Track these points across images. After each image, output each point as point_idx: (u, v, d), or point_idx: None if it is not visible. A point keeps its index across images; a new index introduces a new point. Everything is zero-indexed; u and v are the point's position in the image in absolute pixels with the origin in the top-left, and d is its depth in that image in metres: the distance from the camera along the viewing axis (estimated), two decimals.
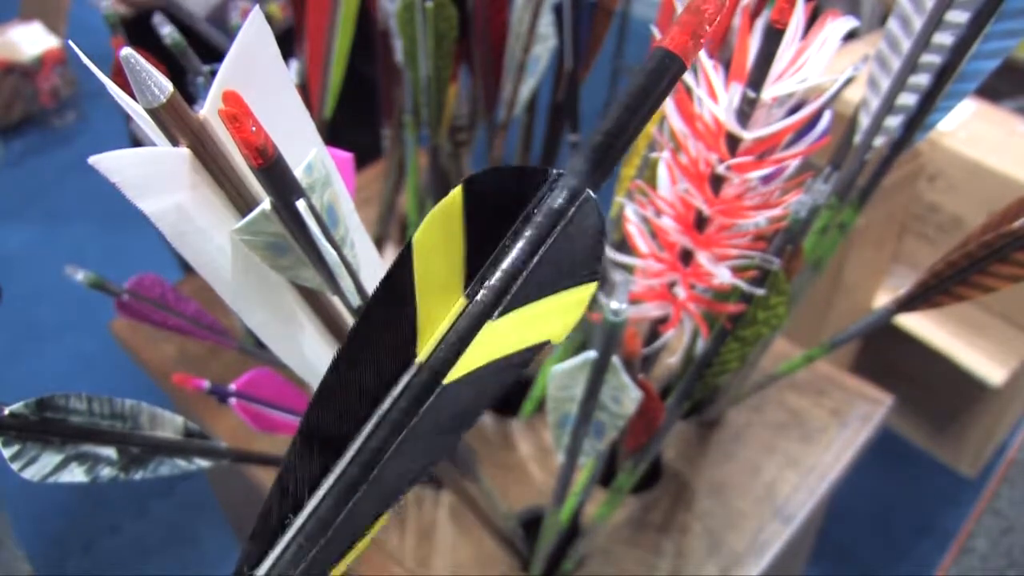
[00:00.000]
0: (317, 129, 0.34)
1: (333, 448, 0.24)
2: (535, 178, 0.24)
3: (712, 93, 0.45)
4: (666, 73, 0.23)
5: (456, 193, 0.23)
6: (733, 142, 0.45)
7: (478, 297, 0.24)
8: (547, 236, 0.23)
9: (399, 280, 0.24)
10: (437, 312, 0.24)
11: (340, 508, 0.24)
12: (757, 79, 0.42)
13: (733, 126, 0.44)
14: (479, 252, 0.24)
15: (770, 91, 0.44)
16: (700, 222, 0.49)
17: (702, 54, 0.45)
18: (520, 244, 0.23)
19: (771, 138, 0.45)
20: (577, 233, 0.23)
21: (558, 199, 0.23)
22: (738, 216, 0.47)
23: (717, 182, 0.47)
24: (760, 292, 0.47)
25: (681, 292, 0.51)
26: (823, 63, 0.44)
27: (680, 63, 0.23)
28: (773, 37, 0.40)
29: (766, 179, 0.48)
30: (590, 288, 0.24)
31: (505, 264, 0.23)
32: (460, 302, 0.24)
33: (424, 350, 0.24)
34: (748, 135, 0.44)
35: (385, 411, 0.24)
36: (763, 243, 0.48)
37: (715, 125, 0.45)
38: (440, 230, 0.24)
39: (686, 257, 0.51)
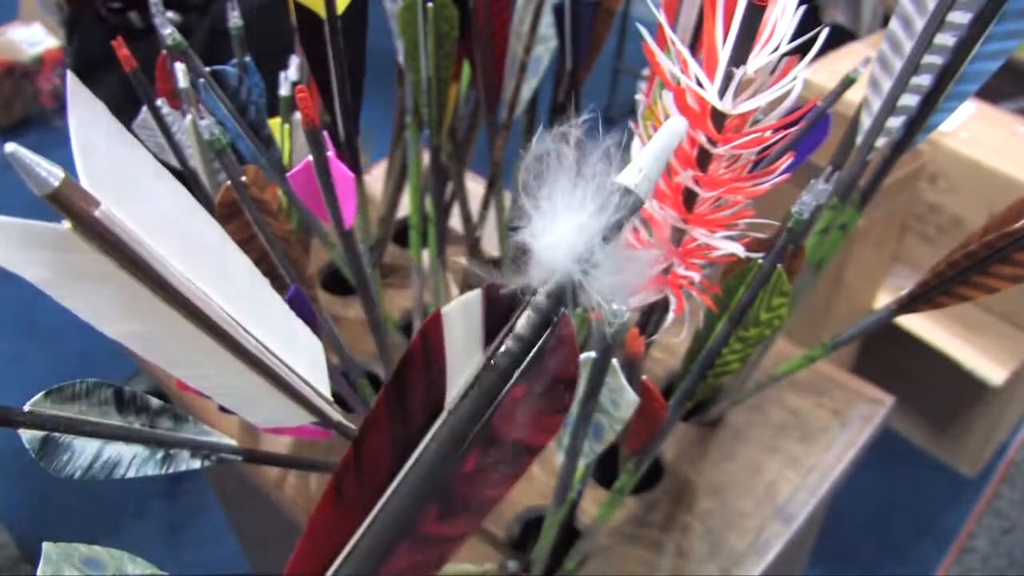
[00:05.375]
0: (317, 129, 0.34)
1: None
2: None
3: (686, 69, 0.45)
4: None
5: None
6: (719, 118, 0.45)
7: None
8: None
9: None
10: None
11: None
12: (740, 55, 0.41)
13: (716, 101, 0.44)
14: None
15: (751, 66, 0.43)
16: (689, 200, 0.48)
17: (678, 43, 0.45)
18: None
19: (755, 114, 0.44)
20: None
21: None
22: (726, 187, 0.47)
23: (705, 158, 0.47)
24: (758, 257, 0.46)
25: (680, 270, 0.51)
26: (789, 29, 0.44)
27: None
28: (754, 14, 0.39)
29: (755, 163, 0.47)
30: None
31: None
32: None
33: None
34: (733, 110, 0.44)
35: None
36: (751, 211, 0.47)
37: (699, 104, 0.45)
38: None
39: (677, 237, 0.51)
